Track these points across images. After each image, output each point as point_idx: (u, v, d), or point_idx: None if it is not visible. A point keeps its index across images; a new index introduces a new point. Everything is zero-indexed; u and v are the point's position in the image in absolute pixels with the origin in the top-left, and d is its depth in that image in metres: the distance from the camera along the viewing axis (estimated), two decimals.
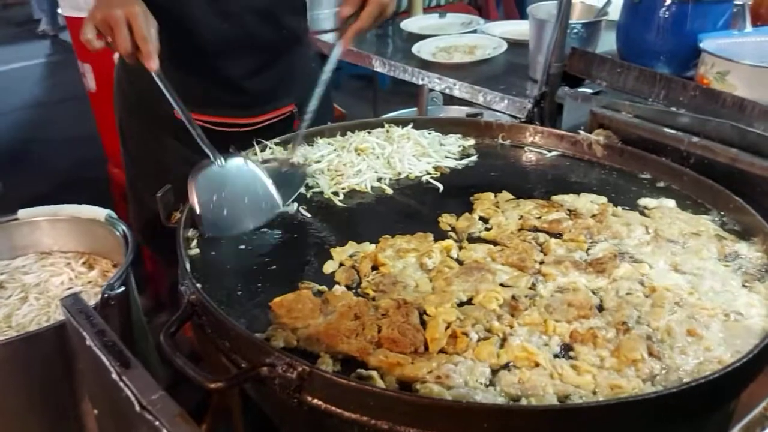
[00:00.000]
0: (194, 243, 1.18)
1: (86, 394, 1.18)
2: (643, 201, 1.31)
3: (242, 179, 1.27)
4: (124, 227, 1.40)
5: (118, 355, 0.89)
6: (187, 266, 1.07)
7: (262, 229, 1.24)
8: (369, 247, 1.18)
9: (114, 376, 0.87)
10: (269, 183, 1.28)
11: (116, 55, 1.74)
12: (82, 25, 1.24)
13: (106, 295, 1.17)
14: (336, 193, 1.37)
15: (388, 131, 1.57)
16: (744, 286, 1.05)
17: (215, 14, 1.52)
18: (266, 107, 1.66)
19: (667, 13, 1.64)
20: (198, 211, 1.20)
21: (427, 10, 3.02)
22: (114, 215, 1.43)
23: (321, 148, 1.49)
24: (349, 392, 0.81)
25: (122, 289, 1.20)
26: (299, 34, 1.55)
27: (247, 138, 1.52)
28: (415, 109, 2.26)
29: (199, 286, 1.03)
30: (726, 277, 1.07)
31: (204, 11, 1.50)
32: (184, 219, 1.18)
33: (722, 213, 1.25)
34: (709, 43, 1.56)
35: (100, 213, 1.43)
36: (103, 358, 0.90)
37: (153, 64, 1.21)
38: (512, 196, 1.35)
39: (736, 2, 1.67)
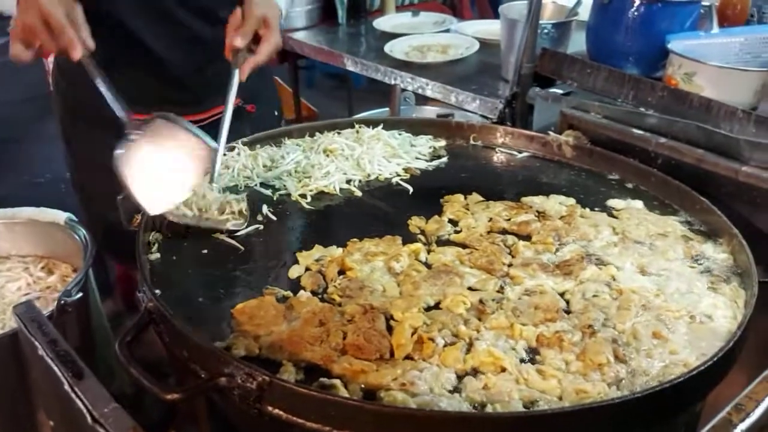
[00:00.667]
0: (155, 247, 1.15)
1: (41, 404, 1.14)
2: (612, 202, 1.31)
3: (164, 139, 1.20)
4: (84, 231, 1.35)
5: (71, 365, 0.86)
6: (146, 272, 1.04)
7: (225, 234, 1.20)
8: (336, 251, 1.15)
9: (66, 387, 0.84)
10: (193, 128, 1.22)
11: (51, 59, 1.72)
12: (9, 43, 1.20)
13: (62, 302, 1.13)
14: (303, 195, 1.34)
15: (357, 132, 1.55)
16: (710, 287, 1.05)
17: (150, 12, 1.50)
18: (213, 102, 1.64)
19: (635, 13, 1.65)
20: (134, 193, 1.14)
21: (400, 8, 3.00)
22: (74, 218, 1.39)
23: (288, 149, 1.46)
24: (310, 402, 0.79)
25: (80, 295, 1.16)
26: None
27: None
28: (387, 109, 2.25)
29: (158, 292, 1.00)
30: (692, 278, 1.07)
31: (140, 10, 1.49)
32: (144, 223, 1.14)
33: (689, 214, 1.25)
34: (676, 44, 1.57)
35: (59, 216, 1.39)
36: (55, 369, 0.86)
37: (75, 53, 1.17)
38: (482, 198, 1.34)
39: (703, 3, 1.68)
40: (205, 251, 1.16)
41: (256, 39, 1.36)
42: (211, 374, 0.84)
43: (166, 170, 1.18)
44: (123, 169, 1.15)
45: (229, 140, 1.49)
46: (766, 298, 1.00)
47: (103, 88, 1.21)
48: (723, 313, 0.99)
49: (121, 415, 0.77)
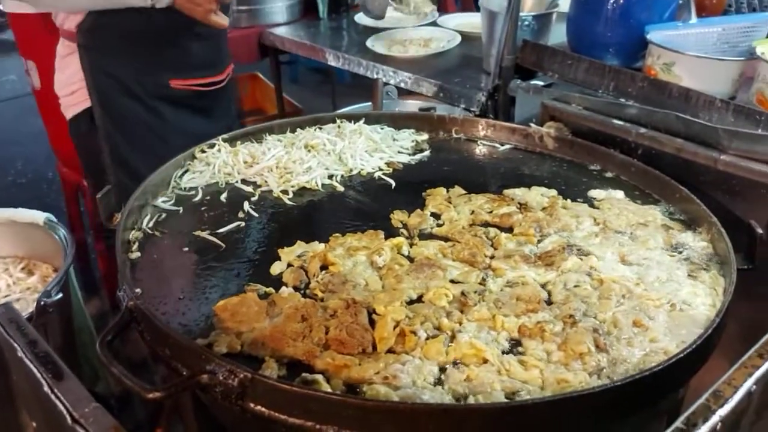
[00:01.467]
0: (135, 246, 1.14)
1: (23, 406, 1.12)
2: (593, 192, 1.32)
3: None
4: (63, 231, 1.34)
5: (51, 366, 0.85)
6: (126, 270, 1.03)
7: (207, 230, 1.20)
8: (318, 247, 1.15)
9: (45, 388, 0.83)
10: None
11: (66, 47, 1.72)
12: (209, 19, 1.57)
13: (42, 303, 1.12)
14: (285, 191, 1.33)
15: (339, 127, 1.55)
16: (689, 275, 1.06)
17: None
18: (226, 63, 1.91)
19: (615, 4, 1.66)
20: None
21: None
22: (53, 219, 1.37)
23: (270, 145, 1.46)
24: (292, 397, 0.79)
25: (60, 295, 1.15)
26: None
27: (216, 96, 1.85)
28: (371, 103, 2.24)
29: (138, 291, 0.99)
30: (672, 267, 1.08)
31: None
32: (123, 221, 1.13)
33: (669, 203, 1.26)
34: (655, 34, 1.58)
35: (38, 216, 1.37)
36: (35, 370, 0.85)
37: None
38: (464, 191, 1.34)
39: None
40: (186, 249, 1.15)
41: None
42: (192, 372, 0.83)
43: None
44: None
45: (228, 104, 1.98)
46: (745, 285, 1.01)
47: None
48: (702, 300, 1.00)
49: (102, 415, 0.77)
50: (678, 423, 0.73)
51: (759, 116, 1.31)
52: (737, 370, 0.83)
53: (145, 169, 1.30)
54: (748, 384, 0.80)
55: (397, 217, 1.25)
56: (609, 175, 1.39)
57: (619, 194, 1.30)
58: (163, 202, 1.28)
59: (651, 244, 1.13)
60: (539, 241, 1.16)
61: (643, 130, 1.38)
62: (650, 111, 1.39)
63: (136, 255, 1.12)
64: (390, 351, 0.92)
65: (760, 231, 1.07)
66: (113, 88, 1.72)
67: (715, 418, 0.74)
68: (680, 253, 1.12)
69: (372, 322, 0.97)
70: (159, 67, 1.73)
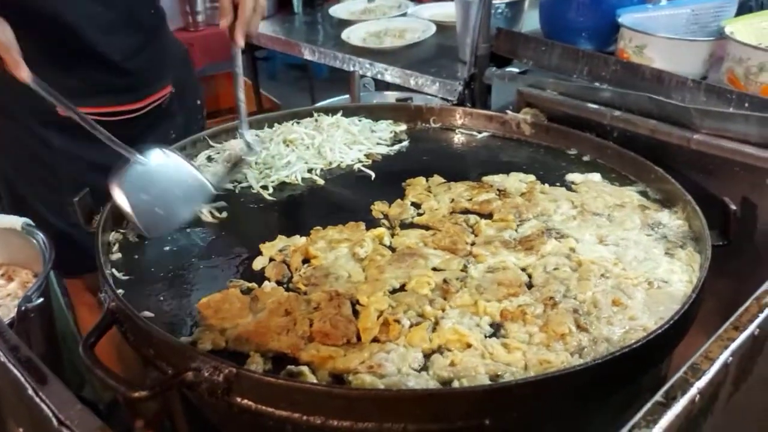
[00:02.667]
0: (116, 247, 1.13)
1: (9, 413, 1.12)
2: (571, 176, 1.34)
3: (168, 172, 1.24)
4: (42, 235, 1.32)
5: (34, 370, 0.84)
6: (107, 272, 1.03)
7: (188, 228, 1.20)
8: (299, 240, 1.15)
9: (30, 392, 0.82)
10: (194, 169, 1.27)
11: None
12: None
13: (23, 308, 1.11)
14: (265, 187, 1.33)
15: (317, 120, 1.54)
16: (666, 253, 1.08)
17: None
18: (148, 90, 1.60)
19: None
20: (133, 215, 1.16)
21: None
22: (31, 223, 1.36)
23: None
24: (278, 390, 0.80)
25: (41, 300, 1.14)
26: (164, 13, 1.60)
27: (135, 125, 1.52)
28: (348, 96, 2.25)
29: (121, 291, 0.99)
30: (649, 246, 1.09)
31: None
32: (103, 223, 1.12)
33: (645, 184, 1.28)
34: (626, 17, 1.59)
35: (15, 222, 1.35)
36: (18, 375, 0.85)
37: (24, 73, 1.13)
38: (443, 180, 1.35)
39: None
40: (167, 248, 1.15)
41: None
42: (177, 370, 0.83)
43: (163, 200, 1.21)
44: (122, 194, 1.17)
45: (162, 133, 1.59)
46: (721, 261, 1.03)
47: (75, 116, 1.19)
48: (679, 277, 1.02)
49: (87, 417, 0.76)
50: (657, 397, 0.75)
51: (730, 95, 1.33)
52: (714, 343, 0.85)
53: (34, 197, 1.17)
54: (725, 356, 0.82)
55: (378, 208, 1.26)
56: (586, 158, 1.40)
57: (596, 177, 1.32)
58: None
59: (628, 225, 1.15)
60: (519, 227, 1.17)
61: (617, 112, 1.40)
62: (624, 93, 1.41)
63: (116, 256, 1.11)
64: (374, 340, 0.92)
65: (733, 207, 1.09)
66: None
67: (693, 391, 0.75)
68: (657, 232, 1.14)
69: (356, 313, 0.97)
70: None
